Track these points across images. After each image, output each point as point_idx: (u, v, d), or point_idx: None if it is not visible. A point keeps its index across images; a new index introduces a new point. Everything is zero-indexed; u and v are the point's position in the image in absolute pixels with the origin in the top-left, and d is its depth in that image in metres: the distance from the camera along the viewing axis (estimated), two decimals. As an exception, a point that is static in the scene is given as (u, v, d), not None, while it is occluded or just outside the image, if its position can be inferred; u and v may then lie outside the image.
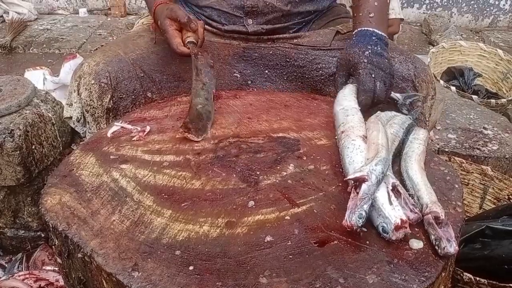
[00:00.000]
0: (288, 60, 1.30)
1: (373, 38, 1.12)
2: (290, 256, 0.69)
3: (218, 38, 1.33)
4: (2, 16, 3.76)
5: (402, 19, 2.96)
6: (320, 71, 1.28)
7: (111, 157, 0.93)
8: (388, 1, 1.20)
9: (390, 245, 0.71)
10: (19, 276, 1.31)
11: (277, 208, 0.78)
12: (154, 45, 1.27)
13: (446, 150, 1.81)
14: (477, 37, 3.86)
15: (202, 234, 0.73)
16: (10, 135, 1.22)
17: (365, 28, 1.15)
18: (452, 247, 0.68)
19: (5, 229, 1.40)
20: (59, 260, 0.83)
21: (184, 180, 0.85)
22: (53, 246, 0.83)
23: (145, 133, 1.02)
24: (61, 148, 1.47)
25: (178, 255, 0.69)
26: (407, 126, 0.99)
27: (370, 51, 1.10)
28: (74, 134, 1.61)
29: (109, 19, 4.13)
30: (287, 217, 0.76)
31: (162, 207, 0.79)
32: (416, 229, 0.75)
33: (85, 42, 3.51)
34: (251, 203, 0.79)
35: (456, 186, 0.86)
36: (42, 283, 1.32)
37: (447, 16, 4.04)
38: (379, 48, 1.11)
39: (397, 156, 0.91)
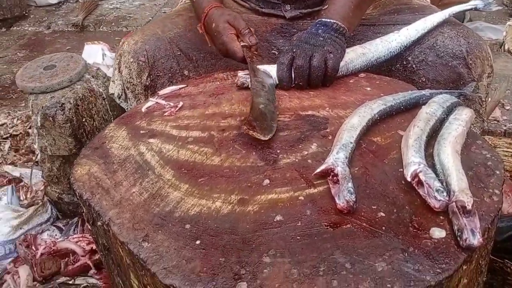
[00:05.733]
0: (329, 35, 1.24)
1: (316, 25, 1.07)
2: (298, 237, 0.67)
3: (255, 16, 1.30)
4: (77, -4, 3.99)
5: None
6: None
7: (141, 131, 0.96)
8: None
9: (408, 233, 0.67)
10: (73, 238, 1.42)
11: (292, 187, 0.76)
12: (192, 24, 1.27)
13: (514, 132, 1.65)
14: None
15: (214, 210, 0.73)
16: (61, 108, 1.31)
17: (316, 20, 1.09)
18: (475, 239, 0.62)
19: (63, 194, 1.52)
20: (88, 226, 0.88)
21: (205, 156, 0.86)
22: (83, 213, 0.88)
23: (177, 108, 1.03)
24: (112, 121, 1.55)
25: (188, 229, 0.70)
26: (449, 105, 0.91)
27: (305, 33, 1.06)
28: (127, 108, 1.69)
29: (174, -3, 4.22)
30: (301, 198, 0.74)
31: (180, 181, 0.80)
32: (441, 217, 0.69)
33: (150, 20, 3.62)
34: (266, 181, 0.77)
35: (497, 172, 0.78)
36: (94, 246, 1.41)
37: (535, -16, 3.61)
38: (319, 31, 1.05)
39: (433, 137, 0.84)
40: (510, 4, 3.38)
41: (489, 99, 1.59)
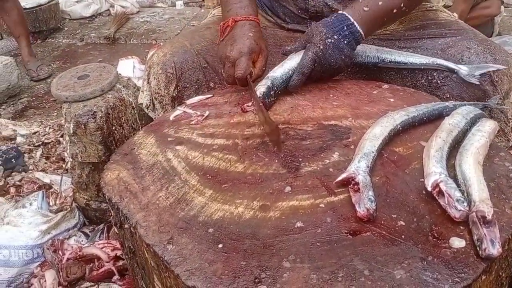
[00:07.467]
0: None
1: (345, 29, 1.05)
2: (318, 244, 0.68)
3: (281, 30, 1.33)
4: (109, 9, 4.14)
5: (502, 1, 2.69)
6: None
7: (169, 139, 1.00)
8: (391, 7, 1.09)
9: (428, 242, 0.67)
10: (98, 244, 1.46)
11: (313, 195, 0.77)
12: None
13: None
14: None
15: (236, 215, 0.75)
16: (93, 117, 1.37)
17: (348, 16, 1.06)
18: (495, 249, 0.62)
19: (90, 201, 1.57)
20: (116, 230, 0.92)
21: (229, 163, 0.88)
22: (111, 217, 0.91)
23: (204, 117, 1.06)
24: (140, 130, 1.60)
25: (211, 232, 0.73)
26: (472, 117, 0.91)
27: (333, 40, 1.05)
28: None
29: (202, 10, 4.32)
30: (322, 205, 0.75)
31: (205, 187, 0.83)
32: (461, 227, 0.69)
33: (178, 33, 3.71)
34: (288, 188, 0.79)
35: (520, 184, 0.78)
36: (118, 252, 1.45)
37: None
38: (344, 42, 1.05)
39: (455, 148, 0.85)
40: (541, 16, 3.32)
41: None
